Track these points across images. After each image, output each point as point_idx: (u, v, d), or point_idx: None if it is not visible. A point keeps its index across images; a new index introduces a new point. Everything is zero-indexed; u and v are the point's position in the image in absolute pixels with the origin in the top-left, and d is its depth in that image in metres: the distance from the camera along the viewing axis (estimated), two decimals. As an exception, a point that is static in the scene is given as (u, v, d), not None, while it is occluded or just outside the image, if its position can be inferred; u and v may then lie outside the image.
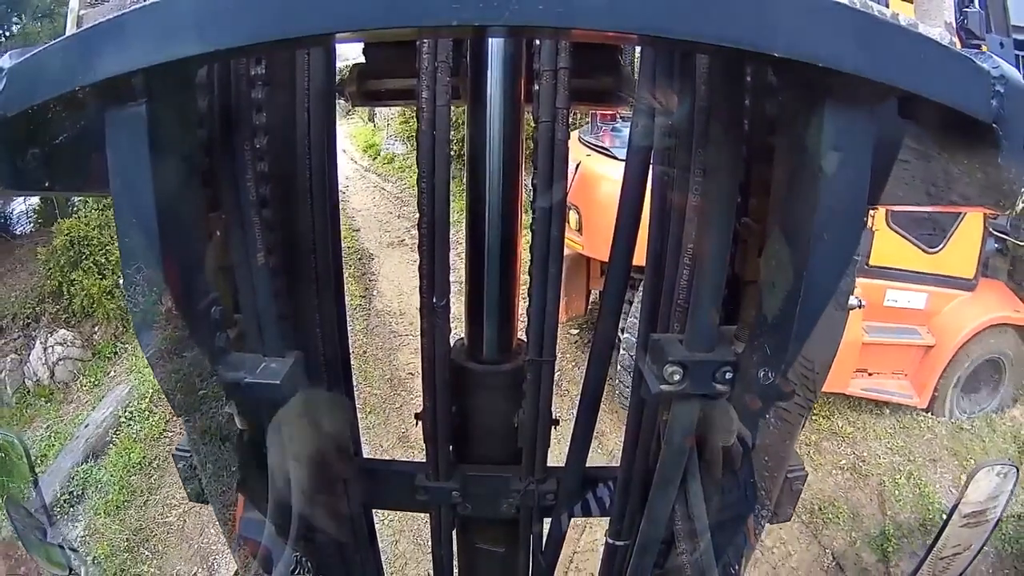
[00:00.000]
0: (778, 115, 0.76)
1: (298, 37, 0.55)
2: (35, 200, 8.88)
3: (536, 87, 0.98)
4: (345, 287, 1.13)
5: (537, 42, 0.97)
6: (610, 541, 1.16)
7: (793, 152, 0.69)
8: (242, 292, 0.90)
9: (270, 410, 0.90)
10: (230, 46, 0.55)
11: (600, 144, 5.17)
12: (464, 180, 1.08)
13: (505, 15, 0.51)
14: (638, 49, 0.98)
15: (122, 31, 0.57)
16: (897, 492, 4.52)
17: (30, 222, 9.15)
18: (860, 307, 0.82)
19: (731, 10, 0.52)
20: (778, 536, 4.22)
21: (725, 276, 0.83)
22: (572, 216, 4.84)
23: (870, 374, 4.93)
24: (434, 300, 1.02)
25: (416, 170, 0.99)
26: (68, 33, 0.65)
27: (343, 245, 1.19)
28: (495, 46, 0.98)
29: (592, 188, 4.81)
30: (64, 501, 5.13)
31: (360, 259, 7.69)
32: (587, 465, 1.17)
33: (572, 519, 1.21)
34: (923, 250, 4.68)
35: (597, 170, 4.85)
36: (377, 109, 11.07)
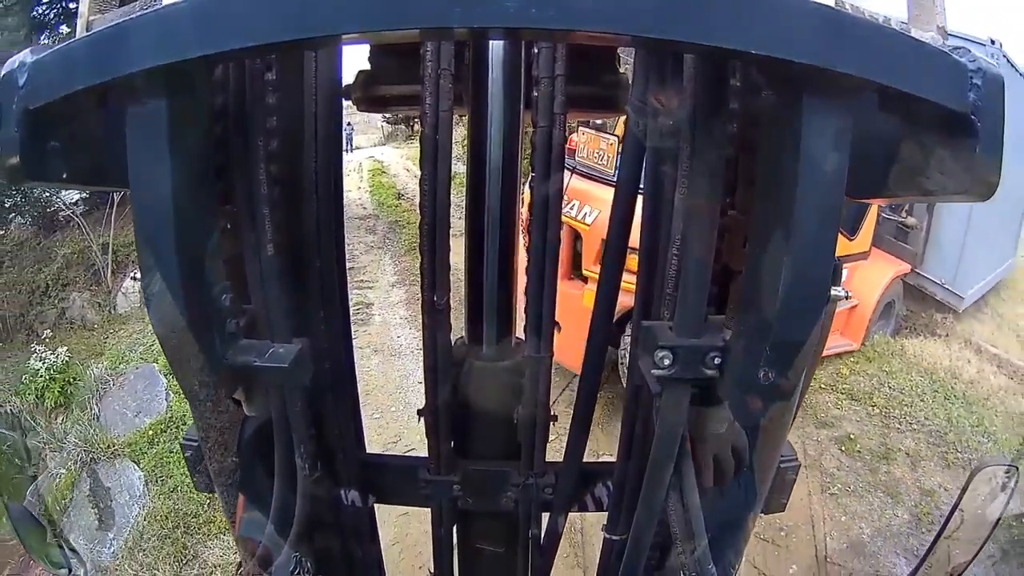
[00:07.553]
0: (761, 112, 0.74)
1: (303, 39, 0.57)
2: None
3: (535, 93, 0.98)
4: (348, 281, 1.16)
5: (536, 49, 0.98)
6: (607, 536, 1.16)
7: (774, 146, 0.70)
8: (251, 281, 0.92)
9: (277, 395, 0.93)
10: (239, 47, 0.57)
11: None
12: (465, 183, 1.10)
13: (501, 18, 0.53)
14: (631, 57, 1.00)
15: (135, 32, 0.60)
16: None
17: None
18: (847, 298, 1.09)
19: (712, 12, 0.55)
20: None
21: (711, 265, 0.82)
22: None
23: None
24: (435, 299, 1.03)
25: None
26: (77, 36, 0.67)
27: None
28: (495, 53, 1.02)
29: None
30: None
31: (429, 246, 9.61)
32: (584, 460, 1.18)
33: (570, 515, 1.21)
34: (848, 238, 6.21)
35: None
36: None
